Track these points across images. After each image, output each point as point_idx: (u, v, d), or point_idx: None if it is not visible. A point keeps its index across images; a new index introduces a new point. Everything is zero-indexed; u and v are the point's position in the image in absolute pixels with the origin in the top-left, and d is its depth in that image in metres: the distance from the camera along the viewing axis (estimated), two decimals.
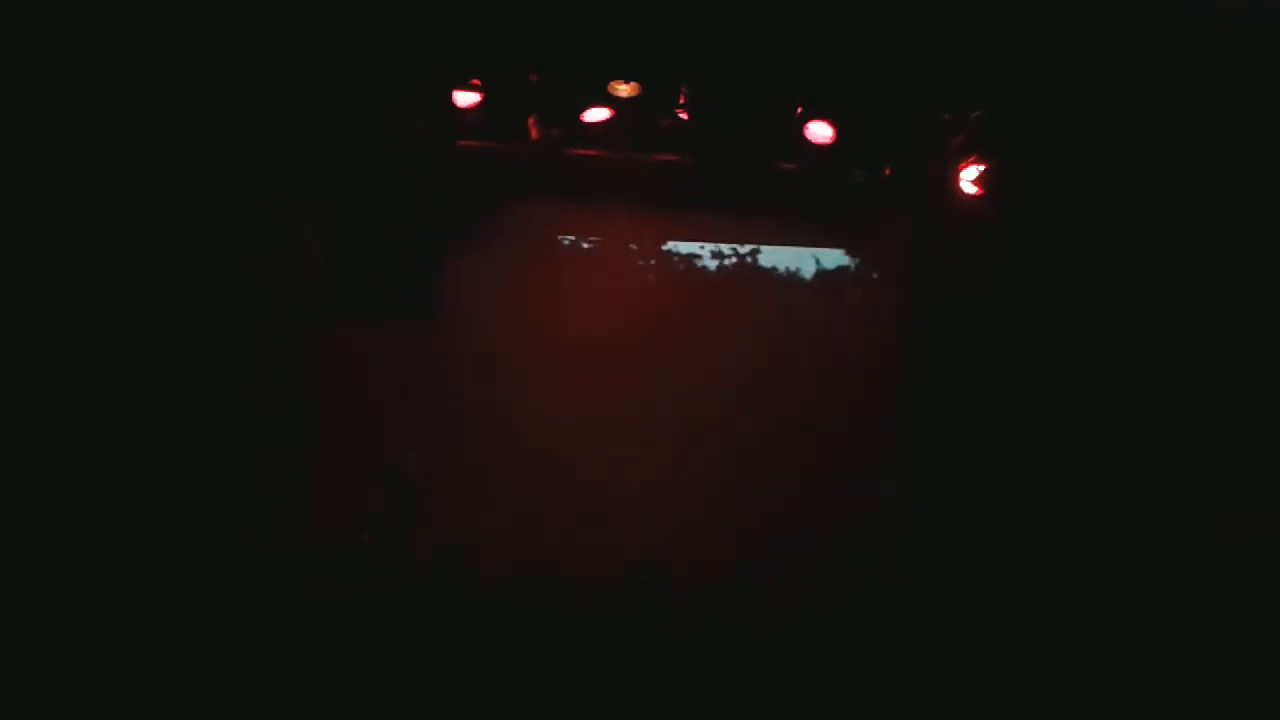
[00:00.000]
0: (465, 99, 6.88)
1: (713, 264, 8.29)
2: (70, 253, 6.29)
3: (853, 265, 8.22)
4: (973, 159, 7.35)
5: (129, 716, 5.75)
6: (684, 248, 8.24)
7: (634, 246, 8.08)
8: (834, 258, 8.18)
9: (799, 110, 7.15)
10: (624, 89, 6.98)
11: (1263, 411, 6.88)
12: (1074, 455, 7.21)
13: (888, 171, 7.59)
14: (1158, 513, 6.94)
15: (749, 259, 8.28)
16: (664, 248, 8.18)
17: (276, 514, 6.83)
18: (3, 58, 6.08)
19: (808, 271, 8.19)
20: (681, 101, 7.09)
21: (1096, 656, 6.61)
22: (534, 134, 7.14)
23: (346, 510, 7.05)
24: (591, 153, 7.43)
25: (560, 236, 7.97)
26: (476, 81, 6.85)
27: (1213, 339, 6.98)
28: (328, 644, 6.11)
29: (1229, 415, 6.89)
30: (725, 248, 8.28)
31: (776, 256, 8.25)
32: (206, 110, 6.51)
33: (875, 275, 8.20)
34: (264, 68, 6.51)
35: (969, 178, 7.40)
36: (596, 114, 7.06)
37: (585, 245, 7.99)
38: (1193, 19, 6.61)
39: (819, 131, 7.20)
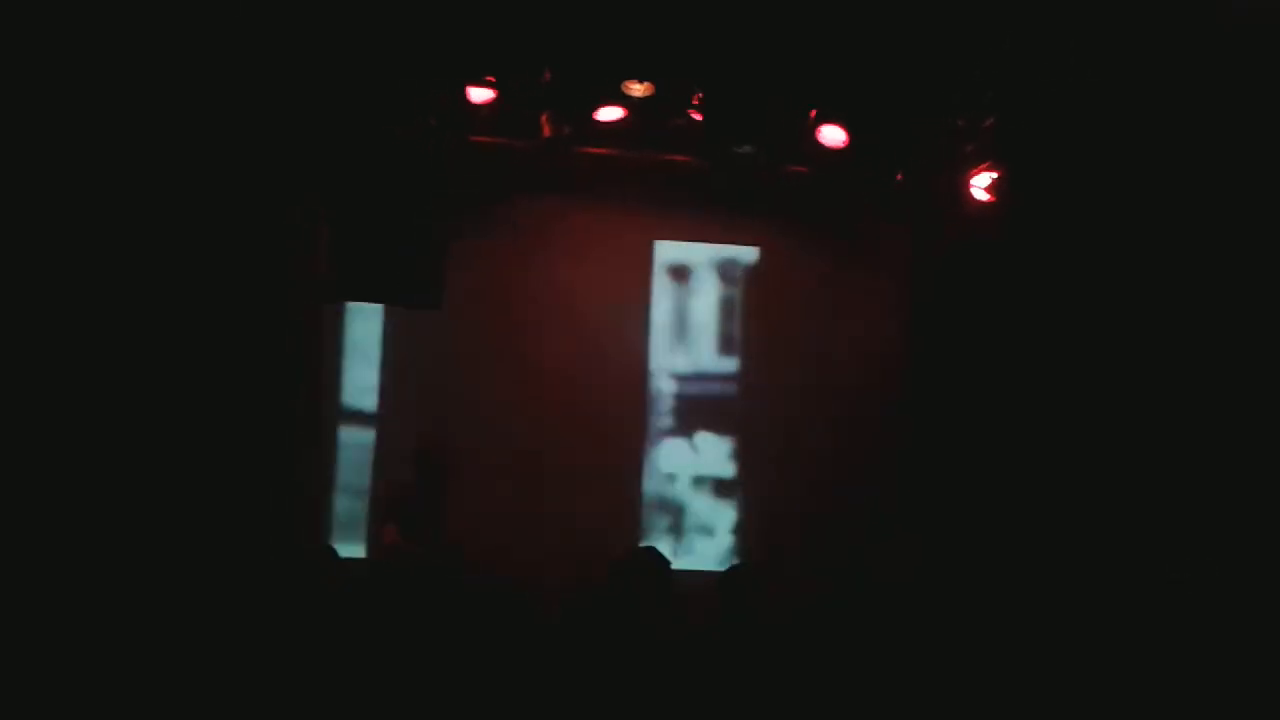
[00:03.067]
0: (479, 95, 6.88)
1: (719, 263, 8.31)
2: (71, 239, 6.29)
3: (861, 269, 8.22)
4: (985, 166, 7.34)
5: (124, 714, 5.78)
6: (690, 247, 8.26)
7: (642, 245, 8.09)
8: (843, 262, 8.19)
9: (812, 114, 7.14)
10: (638, 89, 6.97)
11: (1269, 416, 6.88)
12: (1079, 462, 7.21)
13: (900, 177, 7.60)
14: (1155, 515, 6.95)
15: (756, 260, 8.29)
16: (671, 247, 8.19)
17: (285, 508, 6.83)
18: (7, 50, 6.09)
19: (814, 275, 8.20)
20: (695, 103, 7.08)
21: (1094, 657, 6.64)
22: (546, 131, 7.13)
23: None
24: (603, 151, 7.46)
25: (569, 233, 7.97)
26: (491, 78, 6.84)
27: (1226, 349, 6.96)
28: (326, 643, 6.12)
29: (1238, 427, 6.89)
30: (732, 248, 8.30)
31: (784, 259, 8.26)
32: (221, 100, 6.50)
33: (883, 279, 8.20)
34: (280, 60, 6.50)
35: (980, 185, 7.39)
36: (609, 113, 7.05)
37: (594, 242, 8.00)
38: (1206, 20, 6.60)
39: (831, 135, 7.18)
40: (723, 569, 7.05)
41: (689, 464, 8.22)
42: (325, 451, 7.67)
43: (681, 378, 8.27)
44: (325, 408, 7.63)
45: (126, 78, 6.26)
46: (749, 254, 8.34)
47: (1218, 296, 6.99)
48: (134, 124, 6.31)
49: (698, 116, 7.08)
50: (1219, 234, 6.97)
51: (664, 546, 7.74)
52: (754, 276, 8.33)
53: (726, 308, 8.34)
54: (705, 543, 8.18)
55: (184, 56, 6.32)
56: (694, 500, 8.20)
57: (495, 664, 6.04)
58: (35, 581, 5.91)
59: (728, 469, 8.25)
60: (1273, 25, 6.52)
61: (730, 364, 8.35)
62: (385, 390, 7.85)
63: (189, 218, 6.48)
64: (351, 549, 7.23)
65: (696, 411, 8.27)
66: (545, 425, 7.80)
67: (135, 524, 6.20)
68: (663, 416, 8.21)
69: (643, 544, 7.23)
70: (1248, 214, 6.92)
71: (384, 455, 7.72)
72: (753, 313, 8.30)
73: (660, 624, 6.28)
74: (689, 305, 8.30)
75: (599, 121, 7.10)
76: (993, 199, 7.37)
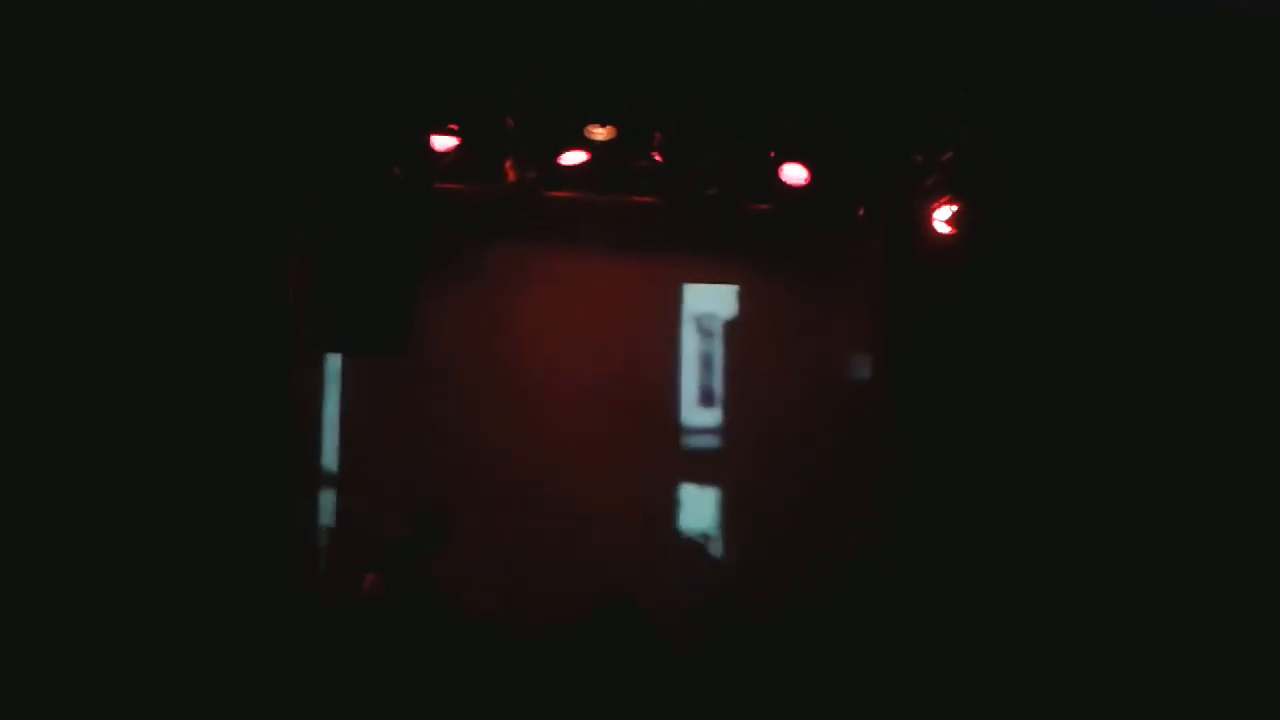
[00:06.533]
0: (443, 143, 6.94)
1: (687, 301, 8.38)
2: (39, 287, 6.32)
3: (829, 303, 8.29)
4: (945, 199, 7.43)
5: None
6: (659, 287, 8.33)
7: (609, 286, 8.15)
8: (808, 296, 8.26)
9: (772, 153, 7.22)
10: (600, 132, 7.04)
11: (1239, 440, 7.00)
12: (1057, 483, 7.28)
13: (862, 212, 7.69)
14: (1128, 532, 7.05)
15: (722, 297, 8.37)
16: (638, 287, 8.26)
17: (259, 549, 6.83)
18: None
19: (782, 309, 8.27)
20: (657, 144, 7.16)
21: (1084, 659, 6.71)
22: (511, 177, 7.20)
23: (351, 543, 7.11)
24: (568, 195, 7.50)
25: (536, 276, 8.03)
26: (454, 126, 6.91)
27: (1200, 354, 7.08)
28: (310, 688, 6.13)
29: (1208, 450, 7.01)
30: (699, 286, 8.38)
31: (750, 294, 8.33)
32: (183, 148, 6.54)
33: (849, 312, 8.28)
34: (247, 110, 6.55)
35: (942, 217, 7.48)
36: (573, 157, 7.13)
37: (561, 285, 8.05)
38: (1159, 44, 6.74)
39: (793, 174, 7.26)
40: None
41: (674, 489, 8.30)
42: (304, 501, 7.67)
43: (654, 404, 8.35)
44: (303, 457, 7.63)
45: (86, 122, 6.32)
46: (718, 287, 8.40)
47: (1181, 310, 7.12)
48: (99, 163, 6.35)
49: (660, 158, 7.17)
50: (1180, 253, 7.11)
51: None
52: (724, 308, 8.40)
53: (697, 338, 8.41)
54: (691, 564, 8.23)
55: (146, 104, 6.35)
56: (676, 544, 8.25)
57: (481, 705, 6.07)
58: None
59: (711, 495, 8.30)
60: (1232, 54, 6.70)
61: (705, 389, 8.42)
62: (358, 441, 7.87)
63: (155, 265, 6.49)
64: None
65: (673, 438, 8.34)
66: (522, 462, 7.83)
67: (109, 556, 6.21)
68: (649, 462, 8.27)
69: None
70: (1211, 230, 7.07)
71: (363, 504, 7.74)
72: (724, 343, 8.36)
73: (638, 667, 6.32)
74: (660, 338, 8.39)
75: (564, 165, 7.16)
76: (954, 231, 7.46)
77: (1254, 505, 6.85)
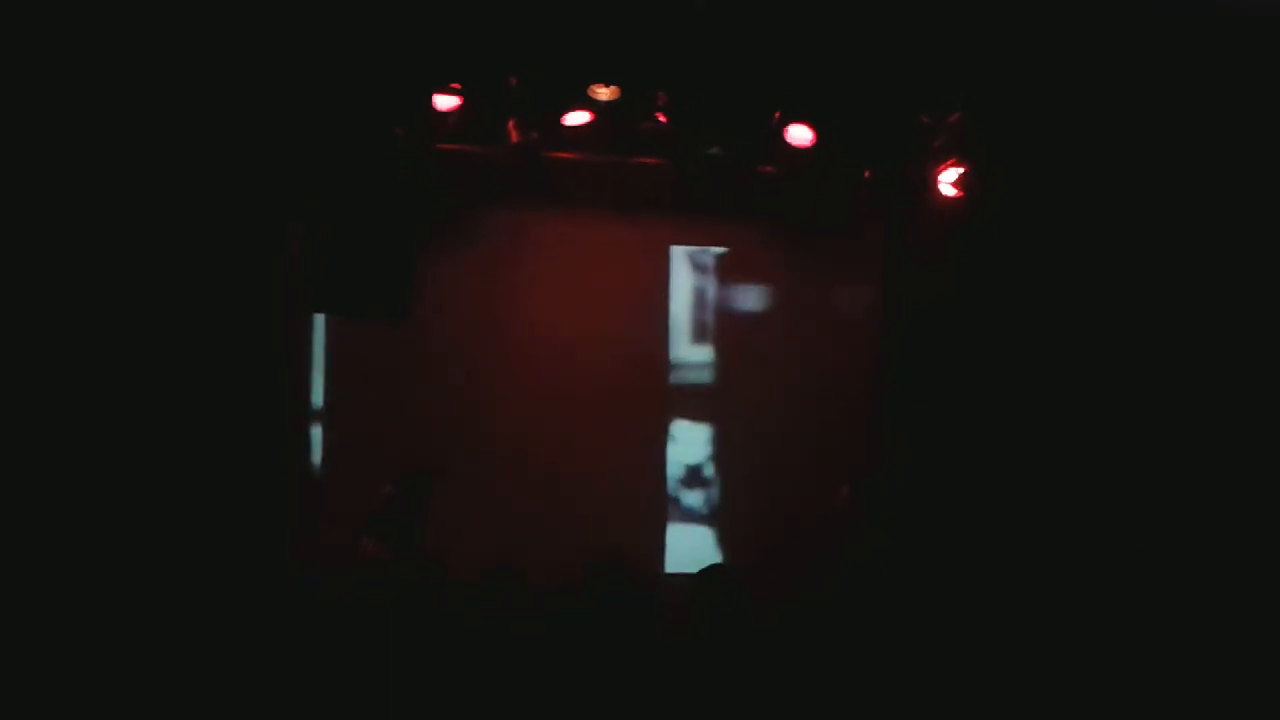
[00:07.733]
0: (445, 103, 6.88)
1: (690, 266, 8.34)
2: (43, 255, 6.30)
3: (832, 267, 8.26)
4: (952, 162, 7.38)
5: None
6: (661, 250, 8.29)
7: (612, 249, 8.10)
8: (813, 259, 8.22)
9: (778, 114, 7.16)
10: (604, 93, 7.00)
11: (1246, 414, 7.00)
12: (1051, 455, 7.28)
13: (868, 174, 7.64)
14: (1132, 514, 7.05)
15: (727, 261, 8.33)
16: (641, 250, 8.21)
17: (260, 518, 6.83)
18: None
19: (786, 273, 8.24)
20: (661, 104, 7.10)
21: (1083, 655, 6.73)
22: (514, 137, 7.14)
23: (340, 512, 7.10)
24: (571, 156, 7.44)
25: (539, 238, 7.99)
26: (457, 85, 6.85)
27: (1200, 343, 7.08)
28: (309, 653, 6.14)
29: (1214, 420, 7.01)
30: (702, 250, 8.34)
31: (755, 258, 8.30)
32: (189, 115, 6.51)
33: (854, 277, 8.24)
34: (246, 71, 6.51)
35: (948, 180, 7.43)
36: (576, 117, 7.07)
37: (563, 247, 8.01)
38: (1164, 18, 6.70)
39: (799, 135, 7.22)
40: (698, 566, 7.10)
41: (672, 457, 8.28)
42: (299, 462, 7.66)
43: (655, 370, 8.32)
44: (299, 419, 7.61)
45: (95, 90, 6.26)
46: (723, 250, 8.37)
47: (1192, 290, 7.12)
48: (100, 135, 6.29)
49: (664, 119, 7.11)
50: (1192, 227, 7.11)
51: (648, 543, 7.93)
52: (728, 272, 8.35)
53: (699, 303, 8.38)
54: (684, 538, 8.23)
55: (150, 72, 6.31)
56: (677, 494, 8.26)
57: (482, 667, 6.08)
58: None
59: (706, 463, 8.29)
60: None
61: (706, 354, 8.39)
62: (358, 400, 7.85)
63: (156, 230, 6.48)
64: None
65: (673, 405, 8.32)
66: (525, 426, 7.82)
67: (109, 530, 6.20)
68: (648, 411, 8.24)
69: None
70: (1230, 209, 7.06)
71: (360, 466, 7.72)
72: (728, 308, 8.33)
73: (638, 630, 6.33)
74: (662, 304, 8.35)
75: (567, 126, 7.11)
76: (960, 194, 7.41)
77: (1257, 498, 6.85)
